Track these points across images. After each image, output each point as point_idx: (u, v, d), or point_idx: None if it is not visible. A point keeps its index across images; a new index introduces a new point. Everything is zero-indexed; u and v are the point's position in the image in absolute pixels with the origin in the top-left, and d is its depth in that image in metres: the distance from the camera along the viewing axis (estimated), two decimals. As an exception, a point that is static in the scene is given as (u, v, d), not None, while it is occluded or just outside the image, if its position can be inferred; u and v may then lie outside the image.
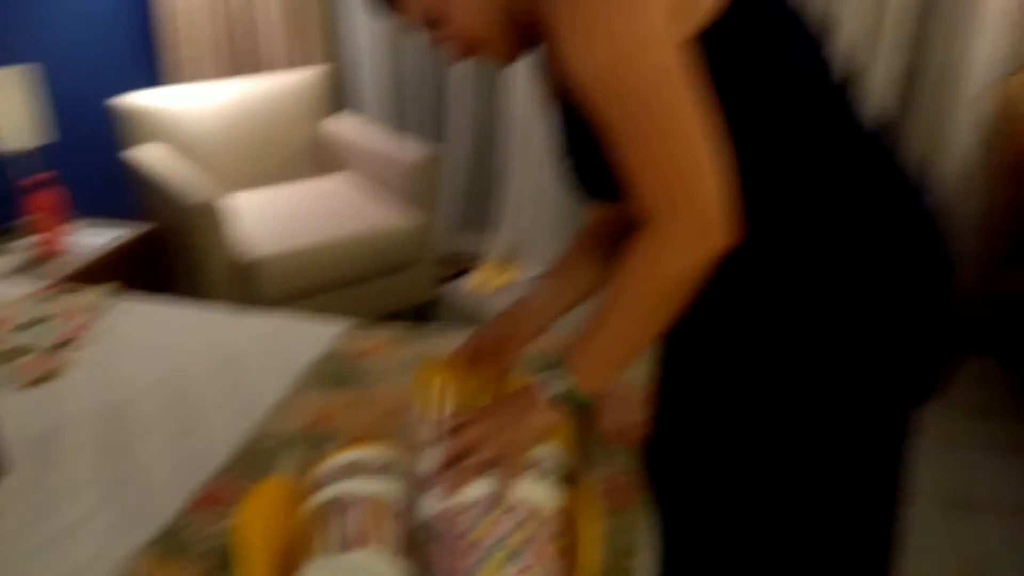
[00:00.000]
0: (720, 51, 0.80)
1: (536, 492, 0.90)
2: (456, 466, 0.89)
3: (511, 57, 0.97)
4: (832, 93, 0.89)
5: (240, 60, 3.12)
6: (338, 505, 0.92)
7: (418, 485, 0.93)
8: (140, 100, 2.68)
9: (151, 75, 3.09)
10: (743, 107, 0.82)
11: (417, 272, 2.66)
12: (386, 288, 2.59)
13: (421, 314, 2.79)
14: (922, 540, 1.83)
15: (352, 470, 0.99)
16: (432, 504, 0.89)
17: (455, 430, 0.93)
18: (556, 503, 0.92)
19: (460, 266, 3.27)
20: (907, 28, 2.61)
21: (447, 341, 1.61)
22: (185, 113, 2.73)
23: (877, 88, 2.64)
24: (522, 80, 2.97)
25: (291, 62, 3.09)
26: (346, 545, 0.87)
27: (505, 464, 0.87)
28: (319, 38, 3.08)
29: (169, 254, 2.56)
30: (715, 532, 1.07)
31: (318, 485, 0.98)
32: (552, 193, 3.11)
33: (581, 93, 0.83)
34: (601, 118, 0.82)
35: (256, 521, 0.94)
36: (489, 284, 3.13)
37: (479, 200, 3.38)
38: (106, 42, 2.94)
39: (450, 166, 3.29)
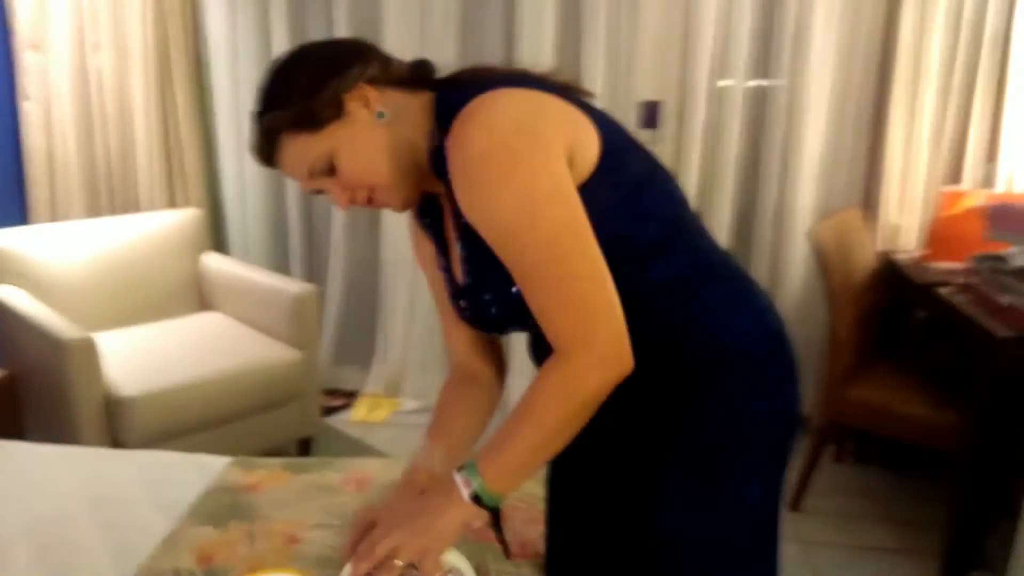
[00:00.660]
0: (595, 199, 0.92)
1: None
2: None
3: (407, 202, 1.04)
4: (689, 227, 1.05)
5: (114, 200, 3.09)
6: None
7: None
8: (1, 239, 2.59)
9: (16, 215, 3.00)
10: (616, 245, 0.93)
11: (300, 406, 2.62)
12: (270, 422, 2.53)
13: (304, 448, 2.73)
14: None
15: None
16: None
17: (366, 534, 0.94)
18: None
19: (340, 399, 3.25)
20: (741, 176, 2.98)
21: (335, 472, 1.61)
22: (50, 253, 2.65)
23: (721, 227, 2.97)
24: (401, 216, 3.10)
25: (166, 202, 3.09)
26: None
27: (423, 563, 0.89)
28: (195, 178, 3.11)
29: (22, 398, 2.40)
30: None
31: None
32: (431, 325, 3.20)
33: (491, 242, 0.92)
34: (512, 265, 0.92)
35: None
36: (372, 416, 3.12)
37: (357, 334, 3.41)
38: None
39: (327, 302, 3.32)
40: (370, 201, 1.02)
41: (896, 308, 2.67)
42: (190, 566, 1.28)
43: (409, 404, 3.21)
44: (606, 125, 0.97)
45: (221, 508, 1.46)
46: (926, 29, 2.64)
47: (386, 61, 1.01)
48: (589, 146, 0.93)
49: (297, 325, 2.59)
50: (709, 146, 2.94)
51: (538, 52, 2.90)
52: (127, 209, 3.08)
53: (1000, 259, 2.06)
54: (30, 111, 2.92)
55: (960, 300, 2.20)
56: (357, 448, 2.89)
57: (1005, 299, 1.99)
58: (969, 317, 2.09)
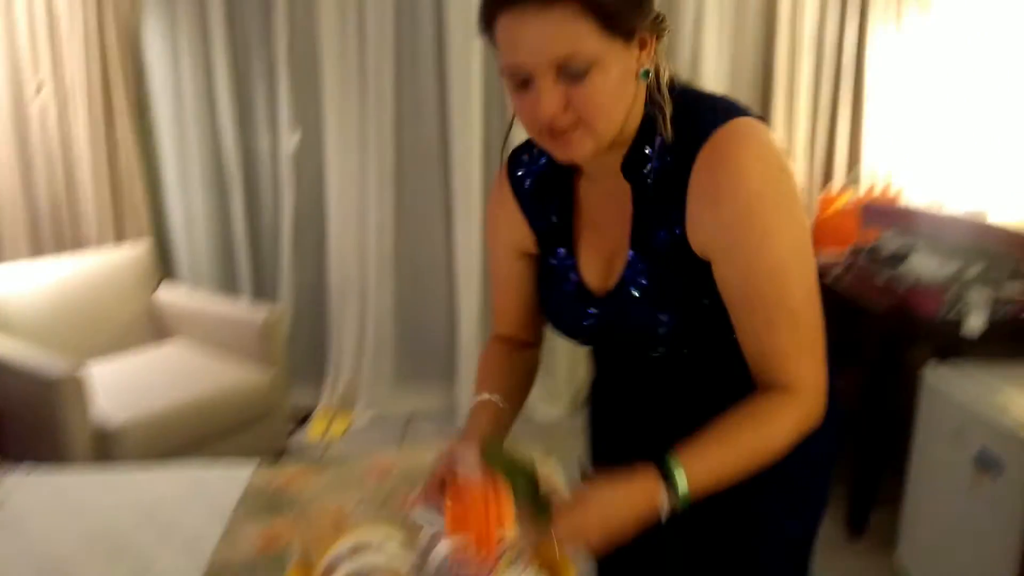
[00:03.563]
0: None
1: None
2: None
3: (589, 157, 0.92)
4: None
5: (61, 237, 3.14)
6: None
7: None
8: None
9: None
10: None
11: (271, 423, 2.79)
12: (245, 440, 2.69)
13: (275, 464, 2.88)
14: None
15: (357, 550, 1.21)
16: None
17: (563, 508, 0.99)
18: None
19: (297, 417, 3.41)
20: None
21: (352, 468, 1.83)
22: (5, 292, 2.71)
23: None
24: (352, 237, 3.31)
25: (114, 236, 3.17)
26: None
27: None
28: (142, 211, 3.20)
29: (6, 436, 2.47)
30: None
31: (331, 568, 1.18)
32: (382, 338, 3.42)
33: (739, 272, 0.91)
34: (759, 301, 0.92)
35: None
36: (331, 431, 3.30)
37: (306, 352, 3.58)
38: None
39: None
40: (563, 131, 0.89)
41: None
42: (254, 553, 1.47)
43: (364, 416, 3.41)
44: None
45: (264, 503, 1.65)
46: (797, 53, 3.11)
47: None
48: None
49: (266, 347, 2.76)
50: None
51: (469, 52, 3.14)
52: (74, 245, 3.14)
53: (875, 248, 2.49)
54: (-31, 155, 2.95)
55: (843, 284, 2.64)
56: (324, 460, 3.06)
57: (880, 279, 2.43)
58: (852, 297, 2.52)
